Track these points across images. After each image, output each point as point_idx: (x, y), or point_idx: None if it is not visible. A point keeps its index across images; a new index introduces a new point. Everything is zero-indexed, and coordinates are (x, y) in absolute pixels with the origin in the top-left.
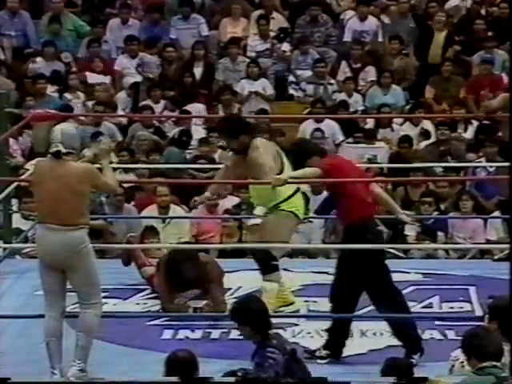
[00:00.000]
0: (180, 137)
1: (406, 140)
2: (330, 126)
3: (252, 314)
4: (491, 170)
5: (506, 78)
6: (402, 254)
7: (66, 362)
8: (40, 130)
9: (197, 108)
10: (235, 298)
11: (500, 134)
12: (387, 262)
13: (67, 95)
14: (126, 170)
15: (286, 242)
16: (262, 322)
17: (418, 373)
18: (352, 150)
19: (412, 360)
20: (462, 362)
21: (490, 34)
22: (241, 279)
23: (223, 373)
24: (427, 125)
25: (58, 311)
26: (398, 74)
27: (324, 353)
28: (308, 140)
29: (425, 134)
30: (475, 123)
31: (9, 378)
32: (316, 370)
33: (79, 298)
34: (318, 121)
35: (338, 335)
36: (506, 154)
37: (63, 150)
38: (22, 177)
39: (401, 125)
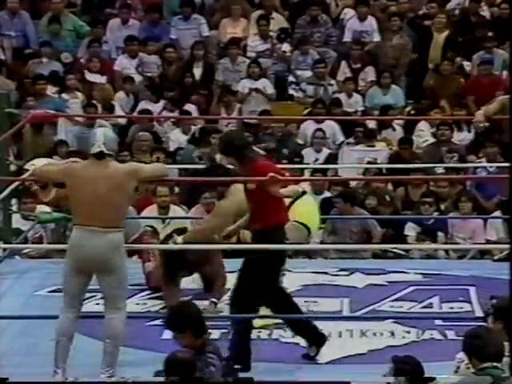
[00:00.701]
0: (195, 134)
1: (406, 141)
2: (331, 127)
3: (192, 318)
4: (491, 169)
5: (506, 78)
6: (403, 253)
7: (69, 363)
8: (27, 132)
9: (190, 109)
10: None
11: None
12: (387, 261)
13: (64, 95)
14: None
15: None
16: (201, 325)
17: None
18: (352, 153)
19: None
20: (467, 364)
21: (490, 34)
22: None
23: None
24: None
25: (75, 313)
26: (396, 52)
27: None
28: (239, 137)
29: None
30: None
31: (7, 378)
32: (317, 370)
33: (106, 301)
34: (319, 121)
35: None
36: (507, 155)
37: (105, 151)
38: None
39: (416, 123)
